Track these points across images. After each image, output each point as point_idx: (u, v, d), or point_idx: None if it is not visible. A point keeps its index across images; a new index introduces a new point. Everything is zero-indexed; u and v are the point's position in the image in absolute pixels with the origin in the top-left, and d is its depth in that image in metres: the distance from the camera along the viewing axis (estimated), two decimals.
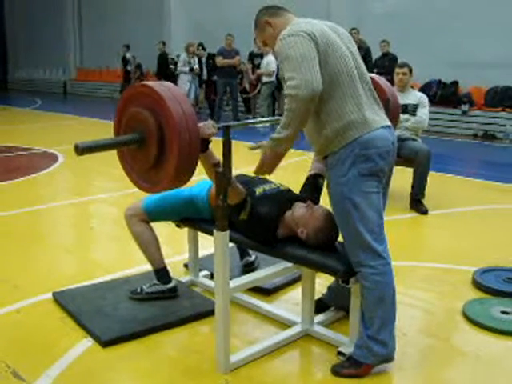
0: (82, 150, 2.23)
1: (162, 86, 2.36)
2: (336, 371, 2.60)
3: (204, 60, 13.01)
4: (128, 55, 15.23)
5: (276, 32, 2.54)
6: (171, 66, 13.47)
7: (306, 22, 2.47)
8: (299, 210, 2.81)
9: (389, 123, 2.55)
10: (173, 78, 13.39)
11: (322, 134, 2.46)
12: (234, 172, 2.63)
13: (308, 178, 3.08)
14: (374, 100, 2.54)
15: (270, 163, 2.46)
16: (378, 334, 2.53)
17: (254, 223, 2.81)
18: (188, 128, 2.28)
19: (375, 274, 2.48)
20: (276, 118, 3.15)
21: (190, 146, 2.29)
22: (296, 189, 3.11)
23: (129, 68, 15.32)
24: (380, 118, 2.50)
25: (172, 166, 2.30)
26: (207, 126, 2.49)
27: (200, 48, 13.17)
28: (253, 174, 2.65)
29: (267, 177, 3.16)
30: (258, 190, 2.94)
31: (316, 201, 2.93)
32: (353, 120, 2.41)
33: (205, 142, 2.47)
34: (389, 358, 2.60)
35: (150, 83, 2.39)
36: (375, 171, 2.45)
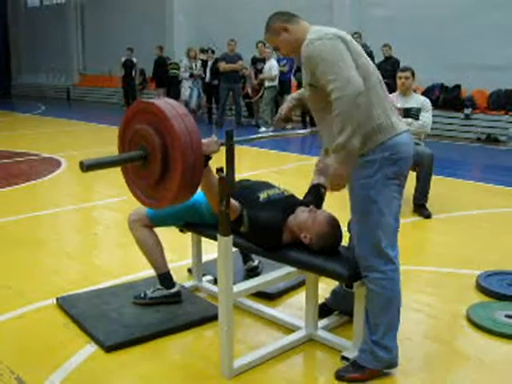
0: (86, 167, 2.25)
1: (165, 104, 2.36)
2: (340, 376, 2.60)
3: (210, 63, 12.97)
4: (134, 59, 14.95)
5: (292, 38, 2.55)
6: (175, 71, 13.47)
7: (328, 28, 2.48)
8: (302, 214, 2.81)
9: (408, 127, 2.59)
10: (171, 82, 13.41)
11: None
12: (237, 177, 2.63)
13: (310, 188, 3.09)
14: (391, 104, 2.58)
15: (339, 174, 2.38)
16: (382, 339, 2.53)
17: (259, 231, 2.81)
18: (192, 147, 2.30)
19: (384, 279, 2.49)
20: (278, 133, 3.16)
21: (194, 165, 2.32)
22: (296, 193, 3.12)
23: (133, 73, 15.04)
24: (401, 122, 2.55)
25: (176, 184, 2.32)
26: (210, 143, 2.50)
27: (210, 51, 13.13)
28: (254, 179, 2.65)
29: (270, 181, 3.19)
30: (263, 195, 2.95)
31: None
32: (381, 124, 2.43)
33: (206, 159, 2.48)
34: (392, 364, 2.60)
35: (154, 101, 2.40)
36: (399, 175, 2.49)
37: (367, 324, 2.58)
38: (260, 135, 3.04)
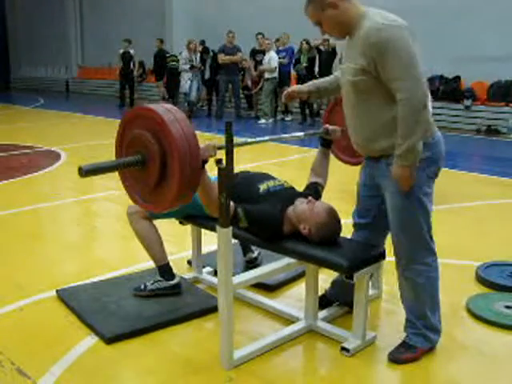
0: (85, 172, 2.27)
1: (163, 109, 2.36)
2: (395, 358, 2.66)
3: (209, 61, 12.87)
4: (131, 51, 14.48)
5: (342, 16, 2.42)
6: (174, 63, 13.40)
7: (390, 14, 2.39)
8: (301, 205, 2.81)
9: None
10: (170, 74, 13.34)
11: (395, 135, 2.40)
12: (236, 169, 2.63)
13: (308, 185, 3.10)
14: None
15: (407, 178, 2.41)
16: (432, 323, 2.68)
17: (259, 225, 2.80)
18: (190, 152, 2.30)
19: (429, 270, 2.63)
20: (280, 136, 3.15)
21: (192, 170, 2.32)
22: (297, 185, 3.12)
23: (131, 65, 14.58)
24: None
25: (173, 190, 2.33)
26: (207, 148, 2.49)
27: (207, 53, 12.96)
28: (254, 171, 2.65)
29: (271, 173, 3.19)
30: (263, 187, 2.94)
31: None
32: (429, 122, 2.45)
33: (203, 162, 2.47)
34: (437, 342, 2.74)
35: (151, 106, 2.39)
36: (437, 173, 2.55)
37: (412, 313, 2.69)
38: (257, 139, 2.99)
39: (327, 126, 3.13)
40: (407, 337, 2.71)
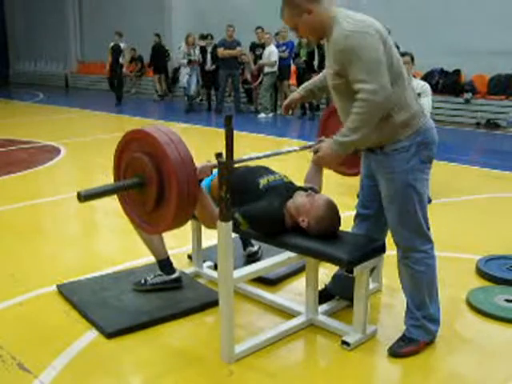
0: (84, 197, 2.29)
1: (159, 132, 2.36)
2: (396, 351, 2.66)
3: (210, 49, 12.77)
4: (122, 45, 13.61)
5: (316, 20, 2.44)
6: (166, 58, 13.29)
7: (362, 16, 2.42)
8: (300, 198, 2.81)
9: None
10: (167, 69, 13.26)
11: (387, 125, 2.47)
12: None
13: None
14: None
15: (329, 162, 2.51)
16: (430, 311, 2.69)
17: (260, 223, 2.80)
18: (187, 175, 2.32)
19: (427, 258, 2.65)
20: (281, 150, 3.12)
21: (189, 192, 2.34)
22: (297, 177, 3.11)
23: (121, 60, 13.62)
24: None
25: (171, 212, 2.35)
26: (203, 168, 2.51)
27: (209, 37, 12.85)
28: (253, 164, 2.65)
29: (271, 167, 3.18)
30: (263, 182, 2.94)
31: None
32: (416, 110, 2.50)
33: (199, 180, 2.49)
34: (436, 334, 2.76)
35: (147, 129, 2.39)
36: (431, 159, 2.59)
37: (413, 302, 2.70)
38: (256, 156, 2.95)
39: (323, 138, 3.15)
40: (407, 330, 2.72)
